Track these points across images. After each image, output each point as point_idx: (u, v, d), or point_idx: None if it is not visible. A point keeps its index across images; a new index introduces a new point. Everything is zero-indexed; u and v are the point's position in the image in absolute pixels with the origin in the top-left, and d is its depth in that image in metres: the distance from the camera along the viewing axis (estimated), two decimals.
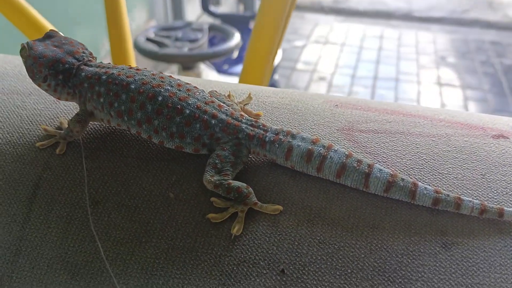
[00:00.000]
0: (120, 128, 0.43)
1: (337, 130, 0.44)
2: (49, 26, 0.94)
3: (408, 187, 0.37)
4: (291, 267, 0.36)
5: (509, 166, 0.41)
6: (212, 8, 2.31)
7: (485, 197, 0.38)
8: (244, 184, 0.39)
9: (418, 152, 0.42)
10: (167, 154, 0.42)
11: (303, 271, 0.36)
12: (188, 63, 1.68)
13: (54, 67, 0.42)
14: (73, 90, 0.43)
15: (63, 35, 0.46)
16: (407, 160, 0.41)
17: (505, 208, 0.36)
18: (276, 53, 1.05)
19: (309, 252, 0.36)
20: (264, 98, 0.49)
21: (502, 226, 0.37)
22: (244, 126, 0.41)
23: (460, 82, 2.51)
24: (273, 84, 2.24)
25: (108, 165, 0.42)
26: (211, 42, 1.82)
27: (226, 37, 1.74)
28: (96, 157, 0.42)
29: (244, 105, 0.47)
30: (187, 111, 0.40)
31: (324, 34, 3.06)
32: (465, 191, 0.39)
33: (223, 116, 0.41)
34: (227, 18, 2.24)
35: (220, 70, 1.93)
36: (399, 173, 0.40)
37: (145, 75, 0.42)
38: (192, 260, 0.37)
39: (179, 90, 0.41)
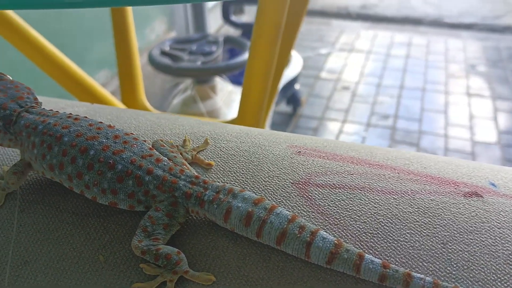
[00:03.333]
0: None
1: (292, 183, 0.41)
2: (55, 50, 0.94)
3: (352, 259, 0.33)
4: None
5: (476, 233, 0.36)
6: (234, 18, 2.29)
7: (442, 272, 0.34)
8: (175, 250, 0.36)
9: (375, 213, 0.38)
10: (104, 210, 0.40)
11: None
12: (201, 77, 1.67)
13: None
14: (15, 137, 0.41)
15: (10, 78, 0.44)
16: (361, 222, 0.37)
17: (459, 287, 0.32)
18: (274, 91, 1.02)
19: None
20: (223, 143, 0.46)
21: None
22: (182, 183, 0.37)
23: (490, 92, 2.41)
24: (294, 94, 2.20)
25: (42, 220, 0.39)
26: (232, 53, 1.80)
27: (242, 49, 1.71)
28: (31, 211, 0.40)
29: (198, 152, 0.44)
30: (120, 167, 0.37)
31: (350, 41, 3.00)
32: (420, 264, 0.35)
33: (160, 172, 0.38)
34: (249, 28, 2.21)
35: (235, 82, 1.90)
36: (349, 239, 0.36)
37: (81, 126, 0.39)
38: None
39: (115, 143, 0.38)
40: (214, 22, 2.65)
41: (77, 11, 1.63)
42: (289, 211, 0.36)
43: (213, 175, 0.42)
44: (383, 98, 2.45)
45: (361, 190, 0.40)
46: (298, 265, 0.35)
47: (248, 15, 2.86)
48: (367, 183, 0.41)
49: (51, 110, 0.42)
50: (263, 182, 0.41)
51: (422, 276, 0.32)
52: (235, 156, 0.44)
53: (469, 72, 2.63)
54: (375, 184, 0.41)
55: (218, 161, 0.43)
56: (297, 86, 2.21)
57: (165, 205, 0.37)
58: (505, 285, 0.33)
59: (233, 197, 0.36)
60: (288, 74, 2.05)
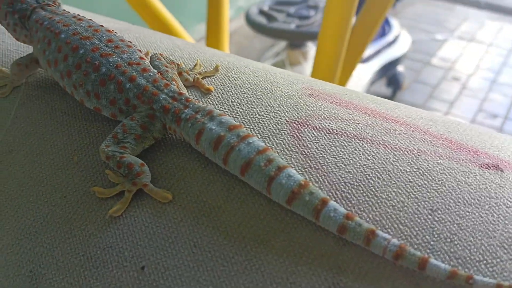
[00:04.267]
0: None
1: (287, 121, 0.37)
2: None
3: (314, 203, 0.29)
4: (153, 267, 0.31)
5: (476, 207, 0.30)
6: None
7: (417, 240, 0.29)
8: (139, 161, 0.34)
9: (365, 165, 0.33)
10: (92, 115, 0.39)
11: (163, 275, 0.30)
12: (294, 40, 1.63)
13: (12, 5, 0.41)
14: (30, 33, 0.42)
15: None
16: (346, 172, 0.33)
17: (431, 259, 0.27)
18: (357, 55, 0.96)
19: (178, 254, 0.31)
20: (236, 74, 0.43)
21: (419, 280, 0.27)
22: (162, 96, 0.35)
23: None
24: (395, 75, 2.08)
25: (36, 115, 0.40)
26: None
27: None
28: (30, 105, 0.41)
29: (204, 77, 0.42)
30: (104, 69, 0.36)
31: (472, 31, 2.76)
32: (395, 226, 0.29)
33: (142, 82, 0.36)
34: None
35: None
36: (325, 186, 0.32)
37: (80, 26, 0.38)
38: (64, 232, 0.33)
39: (106, 46, 0.37)
40: None
41: None
42: (266, 145, 0.32)
43: (209, 100, 0.39)
44: (495, 95, 2.24)
45: (359, 140, 0.35)
46: (260, 201, 0.32)
47: None
48: (370, 135, 0.36)
49: (64, 9, 0.42)
50: (257, 116, 0.38)
51: (388, 236, 0.28)
52: (240, 87, 0.41)
53: None
54: (378, 137, 0.35)
55: (221, 89, 0.41)
56: (400, 68, 2.09)
57: (142, 116, 0.35)
58: (491, 269, 0.27)
59: (210, 119, 0.34)
60: (392, 53, 1.94)
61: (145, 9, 0.95)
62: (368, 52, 1.86)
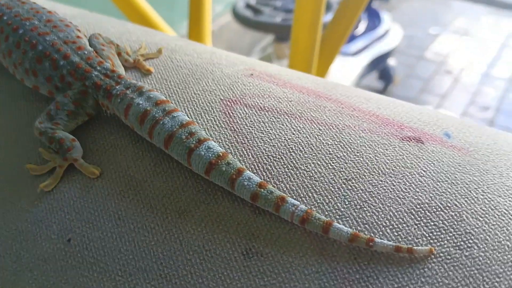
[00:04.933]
0: None
1: (221, 100, 0.38)
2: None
3: (229, 172, 0.30)
4: (78, 239, 0.32)
5: (389, 176, 0.31)
6: None
7: (329, 207, 0.30)
8: (70, 136, 0.35)
9: (289, 139, 0.34)
10: (33, 95, 0.40)
11: (87, 246, 0.31)
12: (280, 33, 1.63)
13: None
14: None
15: None
16: (270, 146, 0.33)
17: (334, 223, 0.27)
18: (336, 44, 0.97)
19: (103, 227, 0.31)
20: (179, 56, 0.44)
21: (325, 245, 0.28)
22: (95, 73, 0.36)
23: None
24: (386, 69, 2.08)
25: None
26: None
27: (327, 11, 1.64)
28: None
29: (146, 59, 0.43)
30: (40, 47, 0.37)
31: (466, 26, 2.75)
32: (310, 195, 0.30)
33: (76, 59, 0.37)
34: None
35: None
36: (248, 159, 0.33)
37: (22, 9, 0.39)
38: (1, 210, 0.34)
39: (45, 26, 0.38)
40: None
41: None
42: (190, 119, 0.33)
43: (147, 80, 0.40)
44: (488, 89, 2.24)
45: (288, 116, 0.36)
46: (185, 174, 0.33)
47: None
48: (299, 111, 0.36)
49: None
50: (193, 95, 0.38)
51: (297, 203, 0.28)
52: (181, 68, 0.42)
53: None
54: (308, 113, 0.36)
55: (161, 70, 0.41)
56: (391, 62, 2.09)
57: (74, 92, 0.36)
58: (396, 234, 0.28)
59: (139, 94, 0.35)
60: (382, 47, 1.94)
61: (124, 2, 0.96)
62: (357, 45, 1.87)
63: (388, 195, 0.30)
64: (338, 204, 0.30)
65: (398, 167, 0.32)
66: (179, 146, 0.32)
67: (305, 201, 0.30)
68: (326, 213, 0.29)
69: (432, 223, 0.28)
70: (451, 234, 0.28)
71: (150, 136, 0.33)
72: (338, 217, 0.29)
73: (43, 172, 0.35)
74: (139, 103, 0.34)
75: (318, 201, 0.30)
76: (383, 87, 2.14)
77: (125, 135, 0.36)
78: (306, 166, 0.32)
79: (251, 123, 0.35)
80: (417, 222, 0.28)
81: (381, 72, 2.10)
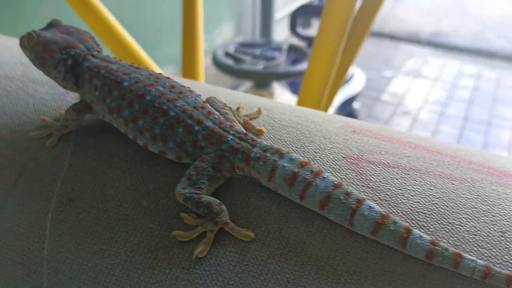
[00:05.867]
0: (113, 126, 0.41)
1: (344, 157, 0.39)
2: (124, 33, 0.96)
3: (399, 232, 0.31)
4: None
5: None
6: (300, 30, 2.30)
7: (498, 260, 0.31)
8: (217, 201, 0.35)
9: (430, 194, 0.36)
10: (153, 159, 0.40)
11: None
12: (261, 80, 1.67)
13: (66, 52, 0.42)
14: (76, 80, 0.42)
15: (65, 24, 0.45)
16: (415, 202, 0.35)
17: None
18: (340, 79, 1.01)
19: None
20: (277, 114, 0.45)
21: None
22: (230, 137, 0.37)
23: None
24: (352, 112, 2.16)
25: (91, 163, 0.40)
26: (294, 63, 1.79)
27: (304, 58, 1.71)
28: (83, 153, 0.41)
29: (250, 119, 0.44)
30: (172, 113, 0.37)
31: (417, 67, 2.93)
32: (475, 249, 0.32)
33: (209, 124, 0.37)
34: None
35: (295, 92, 1.90)
36: (399, 216, 0.34)
37: (141, 74, 0.40)
38: (147, 278, 0.33)
39: (170, 92, 0.38)
40: (281, 33, 2.66)
41: (152, 8, 1.68)
42: (339, 180, 0.34)
43: (263, 141, 0.41)
44: (444, 127, 2.37)
45: (417, 172, 0.38)
46: (342, 233, 0.33)
47: (315, 28, 2.86)
48: (424, 166, 0.38)
49: (114, 57, 0.42)
50: (313, 153, 0.40)
51: (473, 258, 0.30)
52: (287, 127, 0.43)
53: None
54: (433, 168, 0.38)
55: (270, 130, 0.42)
56: (356, 105, 2.18)
57: (212, 157, 0.36)
58: None
59: (279, 157, 0.36)
60: (349, 91, 2.02)
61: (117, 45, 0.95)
62: None
63: None
64: (505, 256, 0.31)
65: None
66: (339, 207, 0.33)
67: (473, 255, 0.32)
68: (498, 266, 0.31)
69: None
70: None
71: (301, 197, 0.34)
72: (510, 268, 0.31)
73: (191, 237, 0.34)
74: (284, 166, 0.35)
75: (486, 254, 0.32)
76: None
77: (264, 197, 0.36)
78: (459, 222, 0.34)
79: (384, 180, 0.37)
80: None
81: (347, 116, 2.18)
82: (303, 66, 1.62)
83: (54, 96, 0.47)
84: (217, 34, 2.18)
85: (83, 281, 0.34)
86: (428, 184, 0.37)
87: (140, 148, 0.40)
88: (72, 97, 0.47)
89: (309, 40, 2.24)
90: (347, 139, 0.42)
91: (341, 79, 0.99)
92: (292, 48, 1.77)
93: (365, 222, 0.32)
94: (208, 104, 0.39)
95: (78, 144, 0.41)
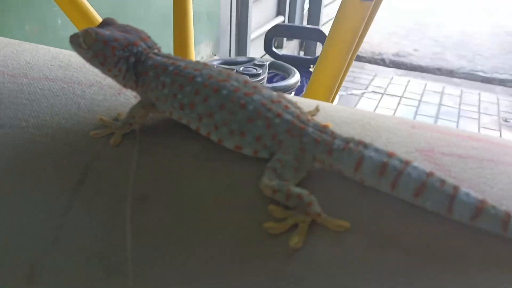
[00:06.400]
0: (180, 122, 0.40)
1: (416, 150, 0.39)
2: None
3: (500, 215, 0.31)
4: None
5: None
6: (274, 49, 2.32)
7: None
8: (306, 191, 0.34)
9: (509, 182, 0.36)
10: (225, 155, 0.38)
11: None
12: None
13: (128, 49, 0.40)
14: (137, 78, 0.41)
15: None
16: (498, 189, 0.36)
17: None
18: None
19: (380, 279, 0.31)
20: (333, 112, 0.45)
21: None
22: (310, 130, 0.36)
23: None
24: None
25: (161, 161, 0.38)
26: (270, 81, 1.81)
27: (286, 75, 1.72)
28: (150, 152, 0.39)
29: (312, 115, 0.43)
30: (251, 107, 0.36)
31: (383, 86, 3.01)
32: None
33: (289, 117, 0.37)
34: (288, 60, 2.23)
35: None
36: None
37: (212, 70, 0.39)
38: (243, 271, 0.32)
39: (245, 86, 0.38)
40: (255, 52, 2.68)
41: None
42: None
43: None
44: None
45: (489, 162, 0.38)
46: (439, 221, 0.33)
47: (287, 49, 2.90)
48: (494, 157, 0.39)
49: (177, 55, 0.41)
50: (385, 147, 0.40)
51: None
52: (349, 123, 0.43)
53: (502, 125, 2.61)
54: (502, 158, 0.39)
55: (334, 126, 0.42)
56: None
57: (294, 149, 0.36)
58: None
59: (364, 147, 0.35)
60: None
61: None
62: None
63: None
64: None
65: None
66: (436, 194, 0.32)
67: None
68: None
69: None
70: None
71: (393, 187, 0.34)
72: None
73: (283, 230, 0.33)
74: (371, 156, 0.34)
75: None
76: None
77: (349, 188, 0.36)
78: None
79: (463, 170, 0.37)
80: None
81: None
82: (285, 82, 1.63)
83: (105, 97, 0.45)
84: (196, 53, 2.18)
85: (168, 283, 0.32)
86: (505, 172, 0.37)
87: (208, 144, 0.39)
88: (124, 97, 0.45)
89: (283, 59, 2.26)
90: (412, 134, 0.42)
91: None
92: (272, 65, 1.79)
93: (465, 208, 0.32)
94: (282, 99, 0.39)
95: (144, 142, 0.40)
